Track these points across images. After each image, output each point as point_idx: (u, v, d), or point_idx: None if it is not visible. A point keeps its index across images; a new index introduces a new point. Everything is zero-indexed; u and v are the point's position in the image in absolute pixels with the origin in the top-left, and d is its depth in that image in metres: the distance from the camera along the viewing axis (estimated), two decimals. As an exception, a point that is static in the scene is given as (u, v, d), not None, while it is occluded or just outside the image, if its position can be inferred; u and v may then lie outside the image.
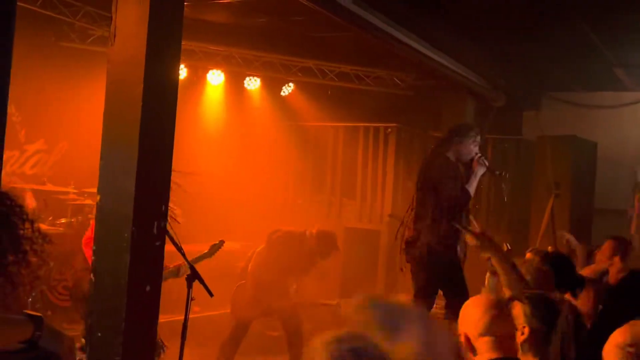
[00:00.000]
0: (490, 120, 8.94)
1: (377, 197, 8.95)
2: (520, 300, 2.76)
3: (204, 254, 4.80)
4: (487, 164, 5.07)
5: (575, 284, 3.63)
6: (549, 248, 6.85)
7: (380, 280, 8.72)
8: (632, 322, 2.36)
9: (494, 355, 2.43)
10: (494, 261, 3.32)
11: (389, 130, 8.91)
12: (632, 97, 9.43)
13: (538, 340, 2.66)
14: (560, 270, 3.52)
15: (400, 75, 8.49)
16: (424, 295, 5.00)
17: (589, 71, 8.74)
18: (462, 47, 7.73)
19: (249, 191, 8.91)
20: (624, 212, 8.51)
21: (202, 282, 4.04)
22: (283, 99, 9.24)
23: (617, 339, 2.27)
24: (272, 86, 9.06)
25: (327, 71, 8.62)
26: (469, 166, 5.11)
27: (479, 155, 5.07)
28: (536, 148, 8.55)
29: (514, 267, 3.24)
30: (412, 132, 9.20)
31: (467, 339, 2.48)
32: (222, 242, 4.96)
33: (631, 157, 9.28)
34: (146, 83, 3.17)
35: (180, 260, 4.24)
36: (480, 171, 5.06)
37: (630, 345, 2.22)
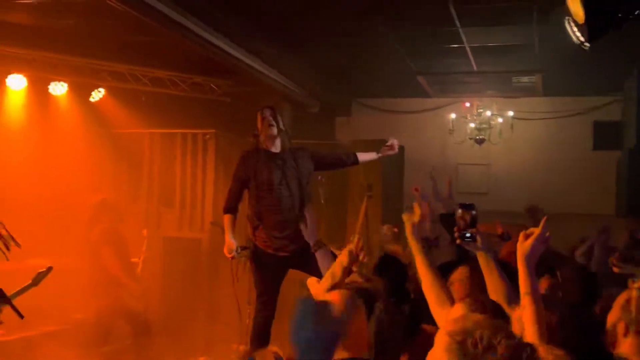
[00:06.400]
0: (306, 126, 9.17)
1: (197, 205, 8.78)
2: None
3: (28, 284, 4.30)
4: (275, 131, 5.20)
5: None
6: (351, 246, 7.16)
7: (203, 289, 8.58)
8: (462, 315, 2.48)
9: (344, 355, 2.45)
10: None
11: (207, 136, 8.78)
12: (433, 103, 10.21)
13: None
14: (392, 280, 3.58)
15: (217, 82, 8.42)
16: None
17: (395, 80, 9.32)
18: (278, 54, 7.87)
19: (54, 204, 8.26)
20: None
21: (11, 305, 3.72)
22: (93, 105, 8.73)
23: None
24: (80, 91, 8.53)
25: (140, 76, 8.30)
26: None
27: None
28: (351, 152, 8.92)
29: None
30: (230, 138, 9.15)
31: None
32: (49, 269, 4.45)
33: (434, 158, 10.03)
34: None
35: None
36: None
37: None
